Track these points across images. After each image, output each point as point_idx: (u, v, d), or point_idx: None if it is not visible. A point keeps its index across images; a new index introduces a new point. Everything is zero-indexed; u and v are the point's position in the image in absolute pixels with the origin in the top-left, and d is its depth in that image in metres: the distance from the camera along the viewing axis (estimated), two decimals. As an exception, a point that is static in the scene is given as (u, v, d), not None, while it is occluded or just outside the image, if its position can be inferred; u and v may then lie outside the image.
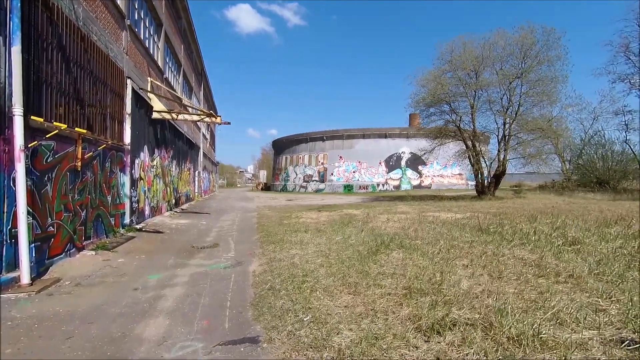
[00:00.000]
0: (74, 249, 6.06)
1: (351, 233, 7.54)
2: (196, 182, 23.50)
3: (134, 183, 9.35)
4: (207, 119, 11.62)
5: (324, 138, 40.00)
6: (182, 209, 15.80)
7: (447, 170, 36.89)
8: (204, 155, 28.16)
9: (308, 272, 4.62)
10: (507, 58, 16.59)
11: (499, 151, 18.26)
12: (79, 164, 6.25)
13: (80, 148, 6.24)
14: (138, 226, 9.30)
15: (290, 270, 4.80)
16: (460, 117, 18.21)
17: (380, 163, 37.30)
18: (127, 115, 8.89)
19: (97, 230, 7.15)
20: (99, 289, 4.48)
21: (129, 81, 8.97)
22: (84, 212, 6.53)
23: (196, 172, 23.70)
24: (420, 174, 37.04)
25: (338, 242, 6.59)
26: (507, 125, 17.23)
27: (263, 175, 71.93)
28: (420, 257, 4.72)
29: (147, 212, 10.66)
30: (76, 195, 6.20)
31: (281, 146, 46.68)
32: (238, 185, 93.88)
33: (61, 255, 5.63)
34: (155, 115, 11.09)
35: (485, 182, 18.91)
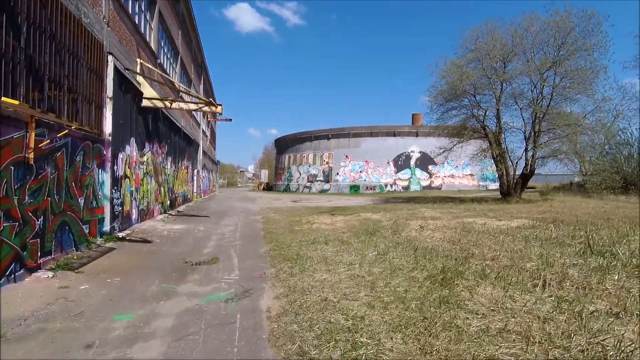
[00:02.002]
0: (21, 271, 4.46)
1: (387, 247, 5.94)
2: (195, 182, 21.90)
3: (116, 182, 7.75)
4: (205, 108, 10.01)
5: (329, 136, 38.35)
6: (178, 211, 14.20)
7: (458, 171, 35.23)
8: (204, 153, 26.58)
9: (355, 319, 3.01)
10: (540, 45, 14.95)
11: (526, 149, 16.61)
12: (32, 155, 4.65)
13: (33, 134, 4.64)
14: (121, 234, 7.70)
15: (325, 314, 3.19)
16: (485, 112, 16.57)
17: (388, 162, 35.63)
18: (107, 99, 7.29)
19: (61, 243, 5.54)
20: (29, 346, 2.87)
21: (110, 58, 7.37)
22: (40, 219, 4.93)
23: (195, 171, 22.10)
24: (430, 174, 35.37)
25: (376, 262, 4.99)
26: (537, 120, 15.58)
27: (264, 174, 70.26)
28: (524, 294, 3.10)
29: (134, 216, 9.05)
30: (27, 198, 4.60)
31: (284, 145, 45.05)
32: (239, 185, 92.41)
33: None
34: (145, 103, 9.50)
35: (511, 183, 17.25)
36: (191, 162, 20.36)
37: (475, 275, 3.72)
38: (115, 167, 7.66)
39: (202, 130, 25.86)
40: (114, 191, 7.58)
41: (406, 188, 34.87)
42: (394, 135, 35.91)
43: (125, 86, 8.30)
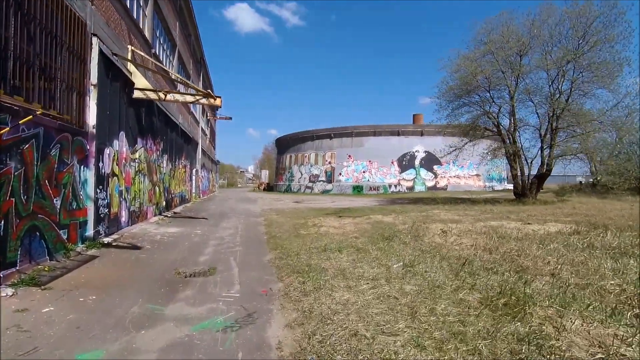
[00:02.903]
0: (-28, 289, 3.61)
1: (413, 256, 5.08)
2: (193, 181, 21.04)
3: (102, 180, 6.89)
4: (203, 100, 9.17)
5: (332, 135, 37.49)
6: (174, 213, 13.34)
7: (463, 171, 34.37)
8: (203, 152, 25.72)
9: (404, 369, 2.16)
10: (558, 37, 14.11)
11: (542, 148, 15.77)
12: (-13, 146, 3.81)
13: (-12, 120, 3.80)
14: (107, 239, 6.84)
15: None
16: (500, 109, 15.73)
17: (392, 162, 34.76)
18: (91, 87, 6.44)
19: (30, 251, 4.69)
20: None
21: (95, 40, 6.52)
22: (1, 224, 4.07)
23: (194, 170, 21.25)
24: (435, 174, 34.50)
25: (406, 277, 4.14)
26: (554, 117, 14.73)
27: (265, 175, 69.40)
28: (631, 330, 2.24)
29: (123, 218, 8.20)
30: (-20, 198, 3.75)
31: (285, 144, 44.21)
32: (239, 185, 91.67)
33: (-64, 305, 3.18)
34: (137, 94, 8.65)
35: (526, 183, 16.40)
36: (189, 161, 19.51)
37: (550, 299, 2.86)
38: (100, 164, 6.81)
39: (202, 128, 25.02)
40: (98, 191, 6.72)
41: (411, 189, 34.00)
42: (398, 134, 35.05)
43: (114, 73, 7.45)
